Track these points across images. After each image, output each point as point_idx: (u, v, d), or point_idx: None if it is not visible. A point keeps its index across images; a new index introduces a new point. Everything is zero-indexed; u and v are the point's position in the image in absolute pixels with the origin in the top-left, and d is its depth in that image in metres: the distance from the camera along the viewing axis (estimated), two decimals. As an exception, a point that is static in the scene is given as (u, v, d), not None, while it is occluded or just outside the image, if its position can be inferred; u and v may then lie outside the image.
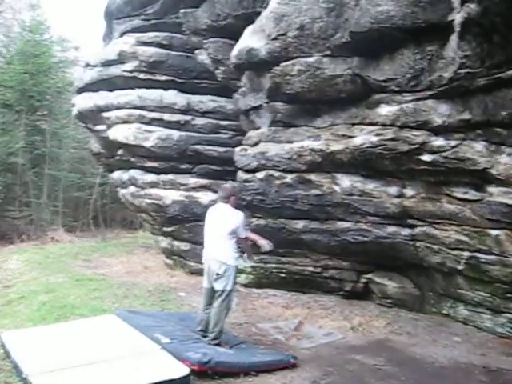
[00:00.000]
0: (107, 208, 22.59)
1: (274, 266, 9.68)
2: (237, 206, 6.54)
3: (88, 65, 11.87)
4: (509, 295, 7.12)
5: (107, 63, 11.11)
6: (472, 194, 6.75)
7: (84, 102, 11.76)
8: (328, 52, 7.04)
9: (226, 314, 6.28)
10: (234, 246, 6.23)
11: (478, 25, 5.20)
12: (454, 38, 5.64)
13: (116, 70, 10.94)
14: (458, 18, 5.41)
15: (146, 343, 5.68)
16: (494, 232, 6.75)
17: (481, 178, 6.50)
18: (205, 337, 6.16)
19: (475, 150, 6.33)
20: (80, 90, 12.11)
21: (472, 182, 6.71)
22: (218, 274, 6.09)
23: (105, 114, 11.15)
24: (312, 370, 5.77)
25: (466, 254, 7.26)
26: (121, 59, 10.79)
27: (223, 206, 6.41)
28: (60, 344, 5.64)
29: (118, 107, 10.85)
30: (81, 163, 22.49)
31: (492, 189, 6.45)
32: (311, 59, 7.17)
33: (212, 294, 6.23)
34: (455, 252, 7.41)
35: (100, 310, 7.56)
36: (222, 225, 6.22)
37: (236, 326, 7.42)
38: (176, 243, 11.38)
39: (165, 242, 11.77)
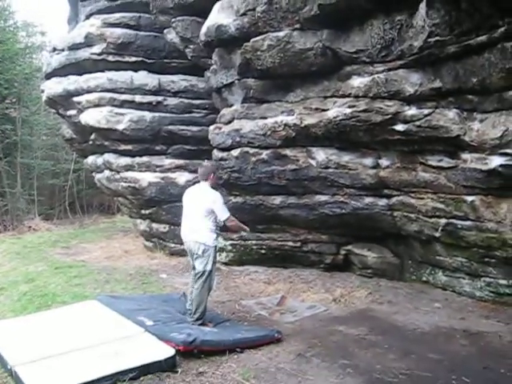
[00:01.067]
0: (83, 194, 22.44)
1: (253, 242, 9.72)
2: (215, 186, 6.58)
3: (55, 49, 11.64)
4: (486, 259, 7.24)
5: (74, 47, 10.90)
6: (446, 162, 6.80)
7: (53, 87, 11.55)
8: (297, 26, 6.97)
9: (208, 294, 6.28)
10: (212, 226, 6.17)
11: (445, -8, 5.21)
12: (422, 7, 5.62)
13: (84, 54, 10.76)
14: (425, -15, 5.40)
15: (129, 327, 5.69)
16: (469, 198, 6.83)
17: (454, 146, 6.55)
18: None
19: (448, 118, 6.36)
20: (48, 76, 11.89)
21: (446, 150, 6.75)
22: (197, 255, 6.11)
23: (75, 99, 10.97)
24: (297, 343, 5.83)
25: (443, 220, 7.35)
26: (88, 42, 10.61)
27: (201, 185, 6.40)
28: (43, 333, 5.63)
29: (88, 91, 10.68)
30: (54, 150, 22.27)
31: (466, 155, 6.50)
32: (281, 34, 7.11)
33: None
34: (432, 219, 7.49)
35: (82, 297, 7.53)
36: (199, 204, 6.19)
37: (219, 304, 7.45)
38: (155, 225, 11.36)
39: (143, 225, 11.74)
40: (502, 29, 5.19)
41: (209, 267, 6.09)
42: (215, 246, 6.23)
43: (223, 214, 6.21)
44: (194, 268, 6.30)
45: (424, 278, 8.47)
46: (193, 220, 6.24)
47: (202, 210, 6.12)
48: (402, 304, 7.52)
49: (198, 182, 6.62)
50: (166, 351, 4.99)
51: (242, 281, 8.92)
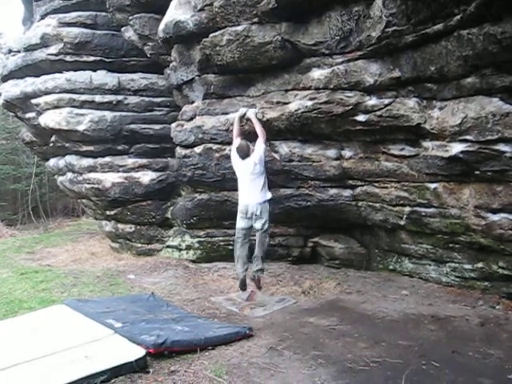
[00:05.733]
0: (47, 197, 22.10)
1: (221, 238, 9.73)
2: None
3: (10, 51, 11.42)
4: (450, 245, 7.38)
5: (31, 48, 10.68)
6: (408, 150, 6.88)
7: (10, 89, 11.32)
8: (256, 19, 6.95)
9: (268, 243, 7.53)
10: (266, 182, 7.41)
11: (401, -19, 5.25)
12: (379, -3, 5.67)
13: (41, 55, 10.55)
14: (381, -24, 5.43)
15: (98, 330, 5.61)
16: (432, 185, 6.93)
17: (415, 134, 6.62)
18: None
19: (408, 107, 6.43)
20: (5, 78, 11.65)
21: (407, 138, 6.82)
22: (256, 215, 7.26)
23: (33, 101, 10.77)
24: (268, 337, 5.83)
25: (407, 209, 7.45)
26: (44, 42, 10.41)
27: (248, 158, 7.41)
28: (10, 340, 5.51)
29: (47, 92, 10.48)
30: (14, 154, 21.87)
31: (427, 143, 6.58)
32: (239, 28, 7.08)
33: (249, 232, 7.48)
34: (396, 208, 7.59)
35: (49, 302, 7.40)
36: (251, 168, 7.31)
37: (188, 301, 7.41)
38: (120, 226, 11.24)
39: (109, 226, 11.61)
40: (458, 17, 5.24)
41: (267, 225, 7.37)
42: (268, 201, 7.42)
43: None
44: (247, 228, 7.44)
45: (391, 267, 8.58)
46: (248, 184, 7.43)
47: (255, 171, 7.31)
48: (370, 293, 7.60)
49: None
50: (136, 352, 4.93)
51: (211, 278, 8.90)
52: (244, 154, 7.37)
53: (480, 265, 7.25)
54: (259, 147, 7.37)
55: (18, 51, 11.08)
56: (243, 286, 7.39)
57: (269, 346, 5.50)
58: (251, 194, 7.37)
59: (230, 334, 5.75)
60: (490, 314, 6.50)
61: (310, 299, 7.45)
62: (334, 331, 6.00)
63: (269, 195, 7.43)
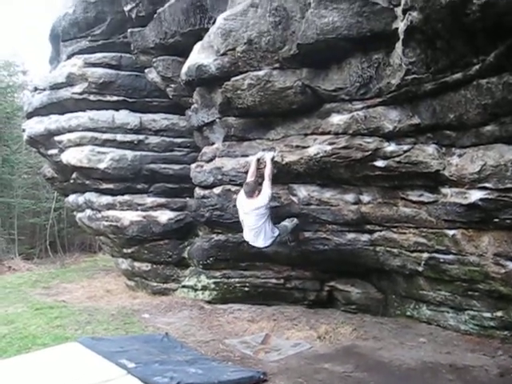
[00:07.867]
0: (64, 233, 22.23)
1: (237, 280, 9.68)
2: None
3: (36, 89, 11.68)
4: (469, 292, 7.28)
5: (56, 86, 10.94)
6: (427, 197, 6.86)
7: (34, 126, 11.54)
8: (277, 65, 7.06)
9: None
10: (270, 225, 7.69)
11: (421, 32, 5.28)
12: (399, 46, 5.72)
13: (65, 93, 10.78)
14: (401, 25, 5.48)
15: (111, 369, 5.59)
16: (450, 232, 6.88)
17: (434, 180, 6.61)
18: None
19: (427, 153, 6.44)
20: (30, 115, 11.90)
21: (426, 185, 6.81)
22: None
23: (56, 138, 10.96)
24: (282, 382, 5.77)
25: (425, 255, 7.39)
26: (70, 81, 10.65)
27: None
28: (23, 377, 5.50)
29: (70, 130, 10.68)
30: (35, 189, 22.15)
31: (446, 190, 6.57)
32: (261, 73, 7.19)
33: None
34: (414, 254, 7.53)
35: (62, 339, 7.41)
36: (253, 211, 7.56)
37: (203, 343, 7.36)
38: (137, 264, 11.26)
39: (125, 264, 11.63)
40: (477, 66, 5.28)
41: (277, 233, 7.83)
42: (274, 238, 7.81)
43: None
44: None
45: (408, 313, 8.46)
46: (251, 229, 7.73)
47: (258, 216, 7.57)
48: (387, 340, 7.49)
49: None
50: (149, 394, 4.91)
51: (226, 319, 8.84)
52: (249, 191, 7.61)
53: (499, 313, 7.14)
54: (265, 193, 7.53)
55: (44, 89, 11.33)
56: None
57: (283, 392, 5.44)
58: (252, 236, 7.78)
59: (244, 379, 5.70)
60: (509, 364, 6.37)
61: (325, 344, 7.37)
62: (349, 378, 5.91)
63: (275, 234, 7.79)
